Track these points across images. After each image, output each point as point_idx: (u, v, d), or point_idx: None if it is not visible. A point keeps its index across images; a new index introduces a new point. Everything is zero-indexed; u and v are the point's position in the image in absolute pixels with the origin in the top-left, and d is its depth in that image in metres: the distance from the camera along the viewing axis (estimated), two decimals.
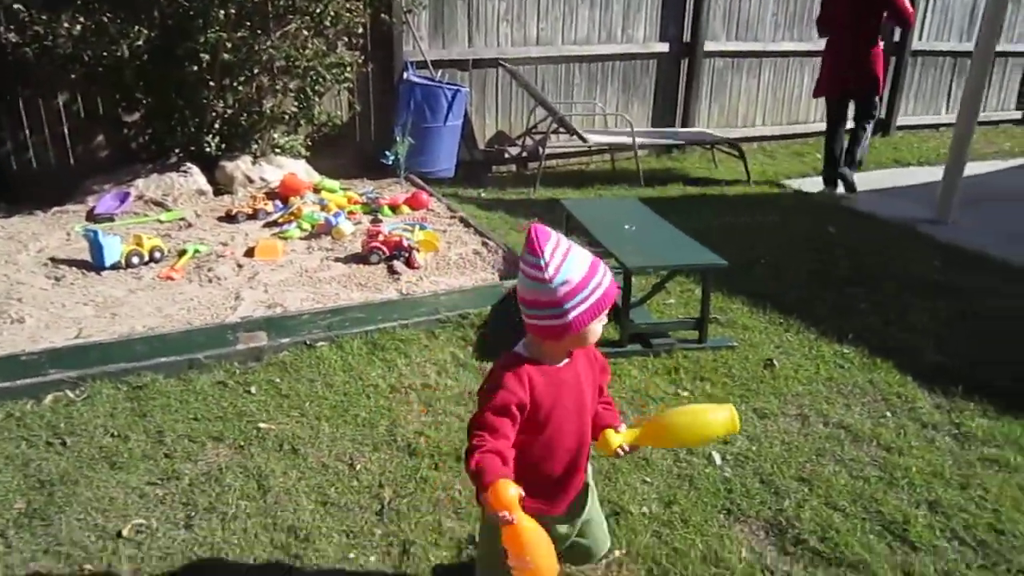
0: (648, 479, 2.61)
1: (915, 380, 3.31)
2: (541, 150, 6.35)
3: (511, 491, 1.43)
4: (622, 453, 1.75)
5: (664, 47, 7.23)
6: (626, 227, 3.88)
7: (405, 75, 5.91)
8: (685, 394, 3.18)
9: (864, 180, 6.70)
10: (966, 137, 5.78)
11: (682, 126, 7.47)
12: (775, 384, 3.26)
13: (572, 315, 1.56)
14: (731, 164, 6.98)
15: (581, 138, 6.35)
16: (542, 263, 1.55)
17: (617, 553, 2.28)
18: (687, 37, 7.33)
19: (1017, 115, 10.14)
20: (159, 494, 2.51)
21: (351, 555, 2.27)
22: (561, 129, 6.44)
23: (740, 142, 6.96)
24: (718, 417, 1.71)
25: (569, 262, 1.57)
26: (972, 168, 7.53)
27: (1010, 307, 4.16)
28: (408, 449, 2.77)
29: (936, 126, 9.34)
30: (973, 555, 2.31)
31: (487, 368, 3.27)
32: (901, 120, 8.96)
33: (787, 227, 5.44)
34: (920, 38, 8.69)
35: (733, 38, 7.65)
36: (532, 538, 1.44)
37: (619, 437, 1.73)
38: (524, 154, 6.81)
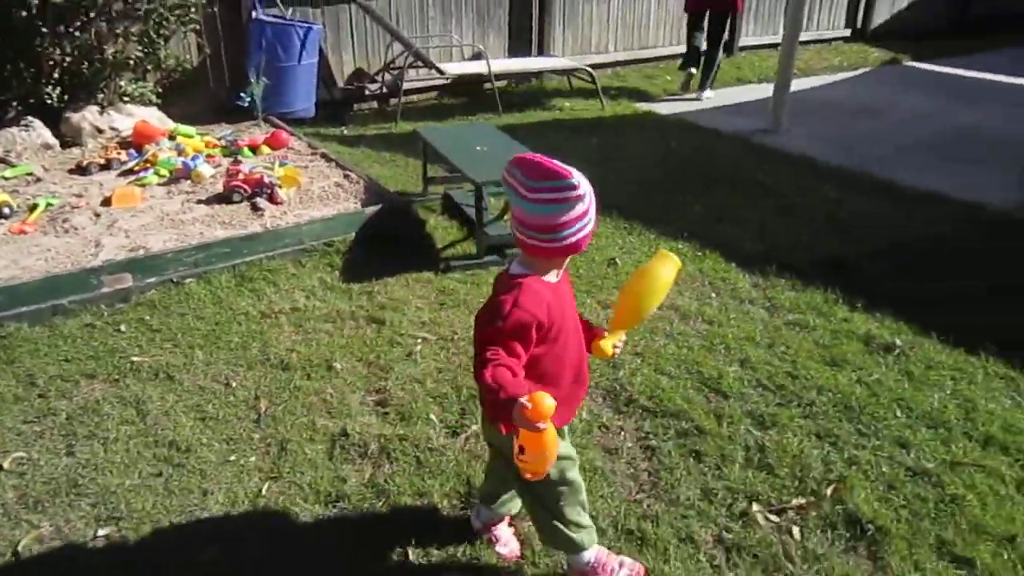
0: None
1: (738, 266, 3.77)
2: (400, 85, 6.44)
3: (549, 401, 1.44)
4: (617, 351, 1.85)
5: None
6: (478, 148, 4.11)
7: (253, 14, 5.83)
8: None
9: (706, 100, 7.22)
10: (791, 55, 6.31)
11: (538, 54, 7.70)
12: (617, 278, 3.63)
13: (589, 228, 1.63)
14: (587, 89, 7.30)
15: (438, 71, 6.48)
16: (574, 182, 1.58)
17: (474, 427, 2.58)
18: None
19: (847, 32, 10.95)
20: (37, 430, 2.59)
21: (231, 458, 2.47)
22: (419, 63, 6.54)
23: (594, 68, 7.27)
24: (664, 265, 1.78)
25: (584, 178, 1.61)
26: (806, 82, 8.26)
27: (820, 201, 4.70)
28: (281, 365, 2.96)
29: (775, 45, 9.88)
30: (772, 396, 2.76)
31: (354, 289, 3.52)
32: (743, 41, 9.52)
33: (636, 144, 5.83)
34: None
35: None
36: (553, 443, 1.52)
37: (608, 340, 1.82)
38: (384, 90, 6.87)
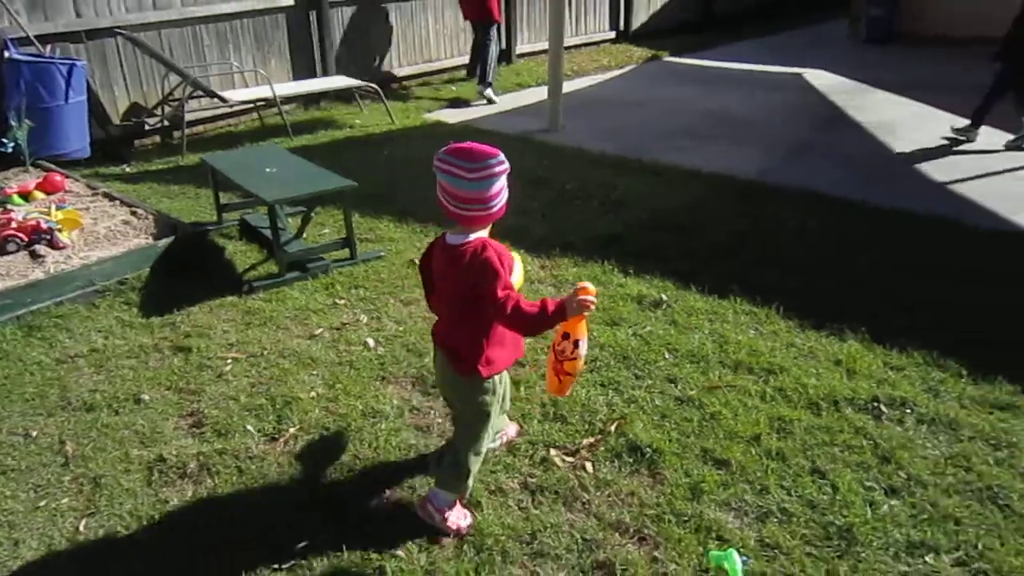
0: (314, 372, 3.06)
1: (526, 250, 4.11)
2: (182, 116, 6.30)
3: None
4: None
5: (288, 0, 7.42)
6: (267, 170, 4.18)
7: (7, 54, 5.48)
8: (342, 302, 3.64)
9: (490, 106, 7.65)
10: (558, 59, 6.84)
11: (324, 76, 7.78)
12: (417, 279, 3.84)
13: (506, 197, 2.08)
14: (376, 106, 7.49)
15: (221, 99, 6.40)
16: (502, 157, 2.01)
17: (292, 430, 2.70)
18: None
19: (612, 35, 11.94)
20: None
21: (41, 503, 2.42)
22: (199, 92, 6.42)
23: (381, 83, 7.47)
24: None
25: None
26: (579, 82, 8.96)
27: (596, 186, 5.20)
28: (84, 407, 2.90)
29: (544, 51, 10.69)
30: None
31: (155, 323, 3.49)
32: (520, 49, 10.12)
33: (423, 152, 6.07)
34: None
35: None
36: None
37: None
38: (166, 123, 6.67)
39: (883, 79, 9.29)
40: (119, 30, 6.15)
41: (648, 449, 2.55)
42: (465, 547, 2.20)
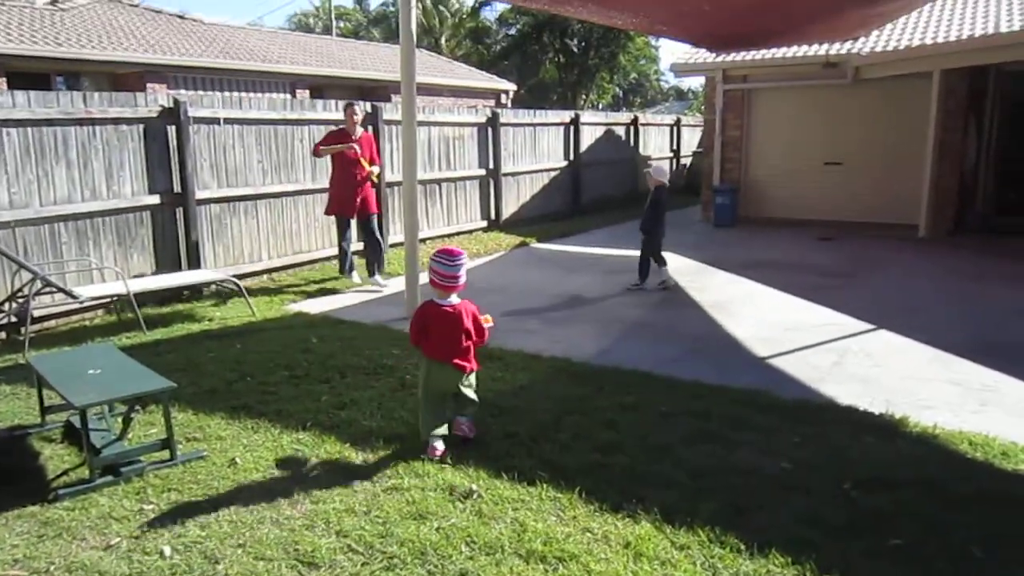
0: None
1: (352, 445, 4.18)
2: (29, 312, 6.24)
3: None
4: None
5: (155, 199, 7.68)
6: (91, 372, 4.17)
7: None
8: (150, 507, 3.57)
9: (353, 296, 7.97)
10: (414, 251, 7.23)
11: (189, 269, 7.92)
12: (235, 477, 3.84)
13: (464, 279, 4.10)
14: (239, 299, 7.62)
15: (71, 295, 6.40)
16: (464, 258, 4.09)
17: None
18: (178, 188, 7.90)
19: (484, 224, 12.74)
20: None
21: None
22: (48, 288, 6.41)
23: (250, 276, 7.66)
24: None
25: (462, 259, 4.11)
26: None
27: None
28: None
29: (424, 239, 11.28)
30: (360, 557, 3.11)
31: None
32: (392, 239, 10.63)
33: (275, 342, 6.21)
34: (392, 171, 10.51)
35: (224, 185, 8.45)
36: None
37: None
38: (13, 319, 6.57)
39: (726, 258, 10.22)
40: None
41: None
42: None
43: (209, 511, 3.53)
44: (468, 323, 4.09)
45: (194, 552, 3.17)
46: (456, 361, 4.07)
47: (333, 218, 8.75)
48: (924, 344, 6.13)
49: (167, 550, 3.18)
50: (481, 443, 4.17)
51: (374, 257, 8.67)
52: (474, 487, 3.67)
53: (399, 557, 3.11)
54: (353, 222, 8.64)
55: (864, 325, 6.75)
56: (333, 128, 8.94)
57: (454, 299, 4.08)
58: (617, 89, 47.14)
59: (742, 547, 3.16)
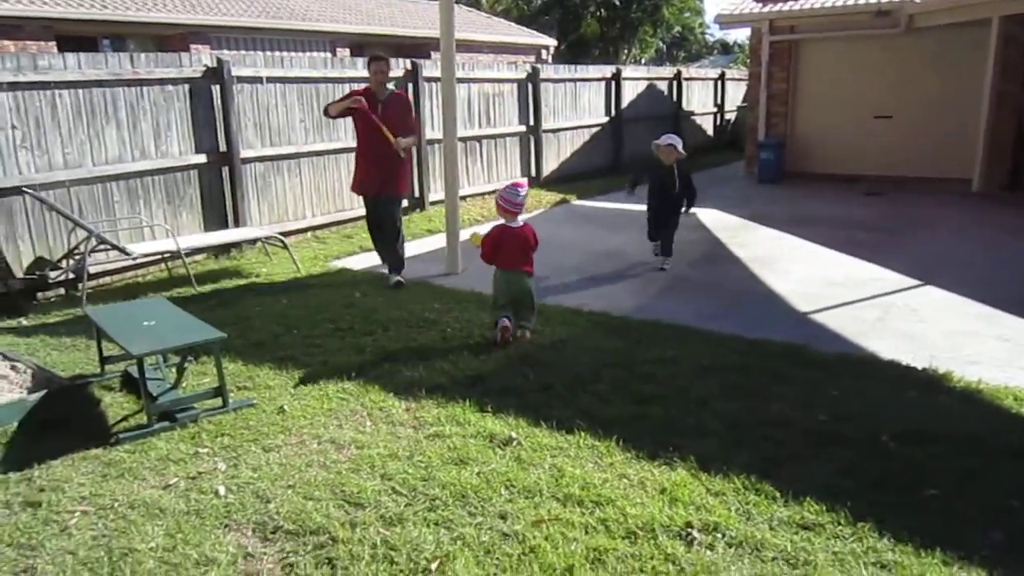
0: (159, 522, 3.12)
1: (395, 395, 4.31)
2: (85, 269, 6.48)
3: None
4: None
5: (202, 158, 7.85)
6: (146, 323, 4.35)
7: None
8: (204, 451, 3.74)
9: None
10: (455, 209, 7.31)
11: (235, 227, 8.11)
12: (284, 424, 3.99)
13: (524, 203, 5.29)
14: (285, 255, 7.79)
15: (124, 252, 6.63)
16: (526, 188, 5.28)
17: None
18: (223, 147, 8.05)
19: (524, 181, 12.72)
20: None
21: None
22: (103, 246, 6.64)
23: (294, 233, 7.82)
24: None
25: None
26: (488, 227, 9.44)
27: (476, 327, 5.48)
28: None
29: (464, 197, 11.31)
30: (403, 499, 3.23)
31: (12, 478, 3.53)
32: (432, 197, 10.70)
33: (320, 297, 6.36)
34: (432, 129, 10.54)
35: (268, 144, 8.57)
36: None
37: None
38: (71, 276, 6.83)
39: (769, 214, 10.07)
40: (25, 189, 6.42)
41: None
42: None
43: (260, 455, 3.69)
44: (532, 239, 5.24)
45: (247, 492, 3.33)
46: (524, 268, 5.18)
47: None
48: (971, 300, 6.01)
49: (221, 489, 3.35)
50: (520, 394, 4.26)
51: (386, 254, 6.95)
52: (513, 435, 3.77)
53: (441, 499, 3.22)
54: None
55: (910, 281, 6.64)
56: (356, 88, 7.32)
57: (520, 220, 5.22)
58: (660, 43, 46.06)
59: (777, 495, 3.20)
